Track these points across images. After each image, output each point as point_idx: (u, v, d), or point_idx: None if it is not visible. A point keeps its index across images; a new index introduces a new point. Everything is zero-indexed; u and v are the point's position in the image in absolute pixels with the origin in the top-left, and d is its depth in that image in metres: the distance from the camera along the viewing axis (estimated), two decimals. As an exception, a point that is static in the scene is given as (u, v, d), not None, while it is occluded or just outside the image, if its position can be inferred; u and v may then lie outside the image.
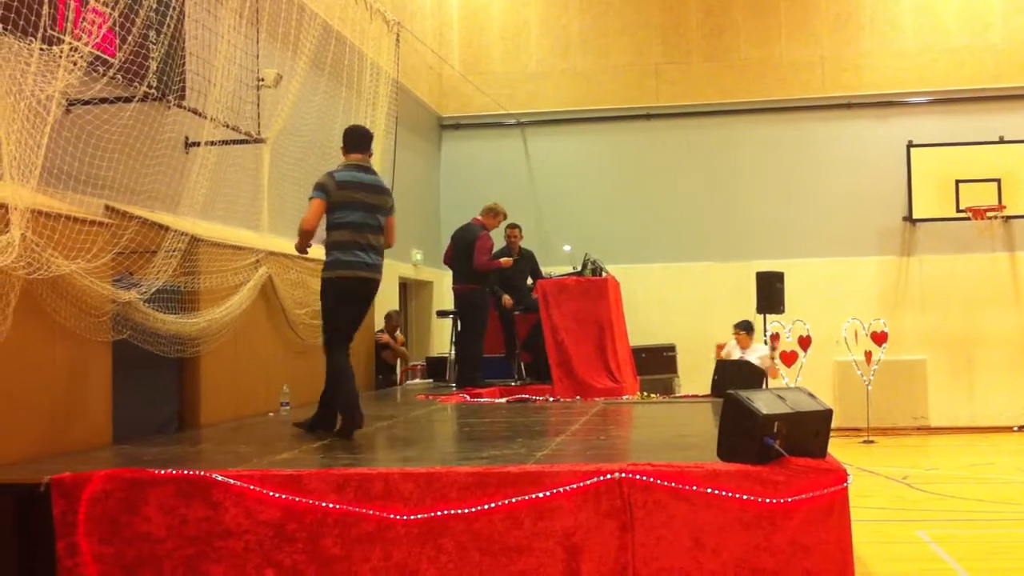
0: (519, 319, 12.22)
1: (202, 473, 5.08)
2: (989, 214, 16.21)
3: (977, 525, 9.49)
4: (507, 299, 11.96)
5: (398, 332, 13.27)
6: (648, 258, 17.04)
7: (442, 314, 13.37)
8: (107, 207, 7.17)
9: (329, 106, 10.95)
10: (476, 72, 17.65)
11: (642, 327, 14.91)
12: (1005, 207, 16.20)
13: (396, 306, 14.31)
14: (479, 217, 11.76)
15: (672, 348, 15.61)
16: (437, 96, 17.62)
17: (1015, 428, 16.50)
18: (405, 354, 13.16)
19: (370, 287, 7.29)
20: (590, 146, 17.67)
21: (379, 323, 12.68)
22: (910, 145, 16.57)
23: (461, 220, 12.41)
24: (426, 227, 16.42)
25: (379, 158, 11.35)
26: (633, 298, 14.17)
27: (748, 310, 15.26)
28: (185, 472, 5.09)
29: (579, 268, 11.92)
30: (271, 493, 5.00)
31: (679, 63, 17.60)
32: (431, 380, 13.22)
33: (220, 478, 5.05)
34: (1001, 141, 16.41)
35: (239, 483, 5.02)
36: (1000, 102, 16.80)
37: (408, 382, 13.32)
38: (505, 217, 11.86)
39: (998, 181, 16.22)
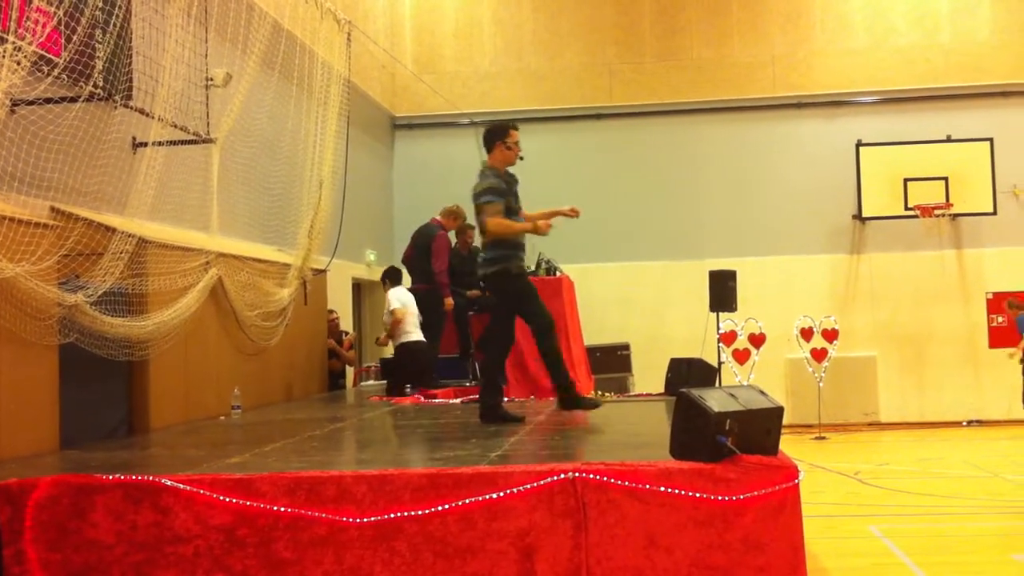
0: (473, 319, 12.19)
1: (151, 478, 5.02)
2: (937, 212, 16.43)
3: (927, 519, 9.60)
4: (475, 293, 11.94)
5: (349, 334, 13.17)
6: (602, 257, 17.07)
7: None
8: (52, 209, 7.06)
9: (280, 106, 10.87)
10: (429, 72, 17.60)
11: (596, 326, 14.92)
12: (952, 205, 16.43)
13: (348, 307, 14.21)
14: (438, 217, 11.76)
15: (626, 347, 15.64)
16: (390, 96, 17.55)
17: (964, 423, 16.74)
18: (351, 359, 13.05)
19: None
20: (544, 146, 17.61)
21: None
22: (859, 144, 16.75)
23: (415, 220, 12.37)
24: (380, 227, 16.36)
25: (331, 158, 11.31)
26: (587, 297, 14.16)
27: (702, 308, 15.36)
28: (134, 477, 5.03)
29: (533, 268, 11.90)
30: (221, 497, 4.94)
31: (632, 63, 17.67)
32: (385, 381, 13.13)
33: (169, 483, 4.98)
34: (948, 140, 16.63)
35: (189, 488, 4.96)
36: (948, 101, 17.04)
37: (362, 383, 13.25)
38: (465, 220, 11.85)
39: (945, 179, 16.44)
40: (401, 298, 11.13)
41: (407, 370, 11.10)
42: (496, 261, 7.68)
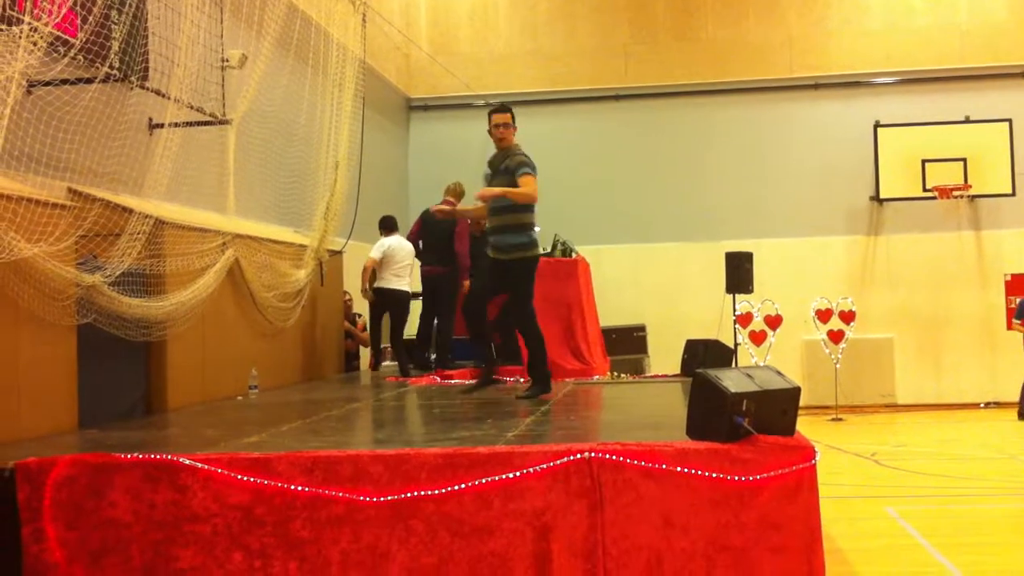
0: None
1: (169, 457, 5.04)
2: (955, 193, 16.34)
3: (944, 501, 9.59)
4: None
5: (362, 316, 13.20)
6: (618, 239, 17.05)
7: (414, 296, 13.31)
8: (70, 189, 7.08)
9: (295, 87, 10.87)
10: (444, 53, 17.56)
11: (612, 307, 14.93)
12: (971, 186, 16.33)
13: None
14: (450, 199, 11.74)
15: (642, 328, 15.63)
16: (405, 77, 17.53)
17: (981, 405, 16.68)
18: (365, 340, 13.10)
19: None
20: (559, 127, 17.62)
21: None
22: (877, 125, 16.66)
23: (430, 201, 12.33)
24: (395, 209, 16.29)
25: (347, 140, 11.31)
26: (603, 279, 14.18)
27: (718, 289, 15.34)
28: (152, 456, 5.04)
29: (549, 249, 11.89)
30: (239, 476, 4.96)
31: (647, 44, 17.59)
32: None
33: (187, 462, 5.00)
34: (967, 121, 16.53)
35: (207, 467, 4.97)
36: (965, 82, 16.92)
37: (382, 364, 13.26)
38: (463, 195, 11.86)
39: (964, 160, 16.35)
40: (381, 247, 11.43)
41: (378, 312, 11.58)
42: (535, 244, 7.95)
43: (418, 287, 11.86)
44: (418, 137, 17.84)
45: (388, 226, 11.77)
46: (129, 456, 5.05)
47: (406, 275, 11.42)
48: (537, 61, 17.74)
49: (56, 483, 4.99)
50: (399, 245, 11.50)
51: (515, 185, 7.74)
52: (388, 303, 11.49)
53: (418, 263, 11.76)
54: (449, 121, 17.77)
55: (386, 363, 12.83)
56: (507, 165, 7.88)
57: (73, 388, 6.79)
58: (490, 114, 8.04)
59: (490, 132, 8.01)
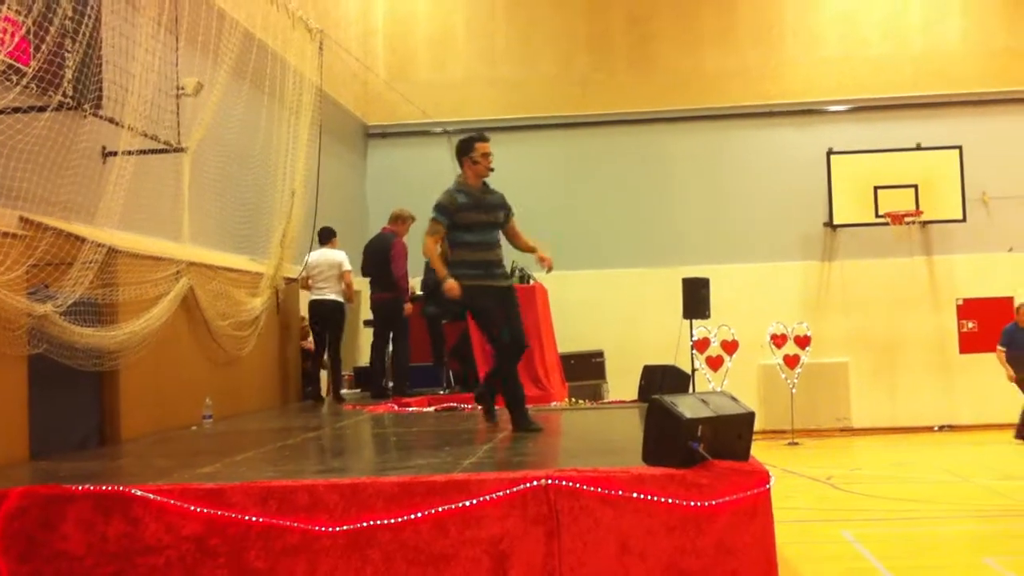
0: (447, 327, 12.19)
1: (121, 488, 4.98)
2: (907, 219, 16.56)
3: (899, 524, 9.65)
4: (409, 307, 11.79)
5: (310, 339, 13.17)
6: (576, 265, 17.06)
7: (370, 323, 13.28)
8: (21, 218, 7.00)
9: (251, 115, 10.83)
10: (402, 80, 17.59)
11: (571, 334, 14.93)
12: (922, 212, 16.56)
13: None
14: (388, 226, 11.82)
15: (600, 354, 15.66)
16: (363, 104, 17.53)
17: (935, 428, 16.85)
18: (324, 363, 13.07)
19: None
20: (517, 155, 17.61)
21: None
22: (830, 152, 16.87)
23: (388, 229, 12.38)
24: (353, 236, 16.29)
25: (303, 168, 11.29)
26: (562, 305, 14.19)
27: (676, 315, 15.41)
28: (103, 488, 4.98)
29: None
30: (192, 507, 4.91)
31: (605, 72, 17.72)
32: (358, 390, 13.10)
33: (139, 493, 4.95)
34: (918, 148, 16.78)
35: (159, 498, 4.93)
36: (918, 109, 17.19)
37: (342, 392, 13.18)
38: (414, 220, 11.85)
39: (915, 187, 16.59)
40: (308, 259, 11.68)
41: (315, 330, 11.90)
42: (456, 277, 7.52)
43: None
44: (376, 164, 17.82)
45: (319, 238, 11.89)
46: (81, 488, 4.99)
47: (325, 286, 11.51)
48: (495, 88, 17.81)
49: (7, 515, 4.92)
50: (318, 257, 11.64)
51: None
52: (313, 315, 11.68)
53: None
54: (407, 148, 17.78)
55: (343, 391, 12.74)
56: (501, 202, 7.85)
57: (24, 419, 6.70)
58: (480, 143, 7.62)
59: (477, 161, 7.59)
